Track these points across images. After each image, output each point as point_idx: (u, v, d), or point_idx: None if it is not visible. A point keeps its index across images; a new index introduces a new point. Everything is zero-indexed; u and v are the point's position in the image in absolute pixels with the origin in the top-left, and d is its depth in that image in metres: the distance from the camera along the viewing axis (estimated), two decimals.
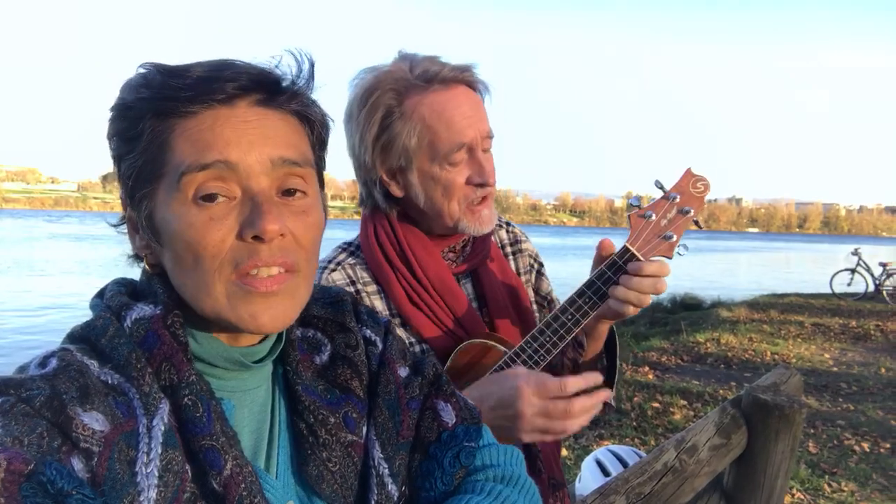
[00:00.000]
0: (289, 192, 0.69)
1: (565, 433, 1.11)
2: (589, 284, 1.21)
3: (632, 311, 1.19)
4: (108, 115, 0.69)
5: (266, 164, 0.66)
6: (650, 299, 1.19)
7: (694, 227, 1.22)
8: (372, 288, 1.28)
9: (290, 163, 0.68)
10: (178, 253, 0.66)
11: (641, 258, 1.19)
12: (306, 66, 0.72)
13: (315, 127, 0.75)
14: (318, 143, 0.76)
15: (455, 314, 1.28)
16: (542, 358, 1.21)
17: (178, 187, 0.64)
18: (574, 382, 1.10)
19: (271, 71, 0.69)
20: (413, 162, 1.22)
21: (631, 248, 1.20)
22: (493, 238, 1.45)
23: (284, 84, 0.70)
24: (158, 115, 0.65)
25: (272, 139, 0.67)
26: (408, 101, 1.20)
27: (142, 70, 0.67)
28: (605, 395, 1.12)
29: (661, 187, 1.21)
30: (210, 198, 0.64)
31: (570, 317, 1.20)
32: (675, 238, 1.19)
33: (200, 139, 0.65)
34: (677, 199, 1.20)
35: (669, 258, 1.20)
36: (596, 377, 1.13)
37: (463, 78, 1.22)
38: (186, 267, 0.66)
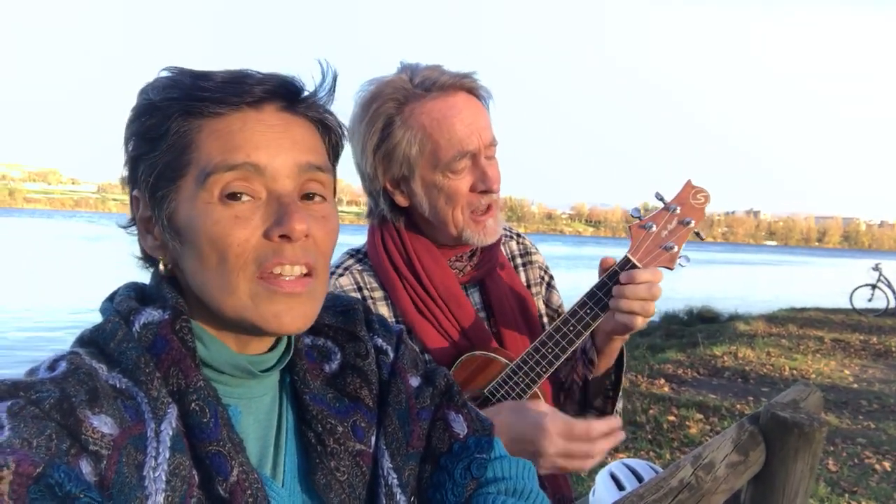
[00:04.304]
0: (309, 196, 0.70)
1: (578, 471, 1.13)
2: (590, 295, 1.19)
3: (639, 322, 1.16)
4: (129, 116, 0.70)
5: (292, 169, 0.68)
6: (653, 307, 1.16)
7: (695, 239, 1.21)
8: (379, 294, 1.27)
9: (314, 168, 0.70)
10: (201, 251, 0.66)
11: (642, 269, 1.17)
12: (329, 77, 0.74)
13: (332, 136, 0.77)
14: (334, 152, 0.77)
15: (461, 324, 1.26)
16: (543, 370, 1.19)
17: (205, 186, 0.65)
18: (599, 427, 1.11)
19: (295, 78, 0.71)
20: (415, 170, 1.21)
21: (632, 258, 1.18)
22: (502, 249, 1.43)
23: (308, 92, 0.72)
24: (187, 115, 0.66)
25: (298, 144, 0.69)
26: (407, 109, 1.19)
27: (167, 73, 0.69)
28: (620, 435, 1.14)
29: (662, 199, 1.21)
30: (235, 196, 0.66)
31: (571, 328, 1.19)
32: (676, 248, 1.18)
33: (229, 140, 0.66)
34: (678, 211, 1.19)
35: (671, 269, 1.19)
36: (616, 421, 1.15)
37: (463, 84, 1.21)
38: (210, 265, 0.66)
